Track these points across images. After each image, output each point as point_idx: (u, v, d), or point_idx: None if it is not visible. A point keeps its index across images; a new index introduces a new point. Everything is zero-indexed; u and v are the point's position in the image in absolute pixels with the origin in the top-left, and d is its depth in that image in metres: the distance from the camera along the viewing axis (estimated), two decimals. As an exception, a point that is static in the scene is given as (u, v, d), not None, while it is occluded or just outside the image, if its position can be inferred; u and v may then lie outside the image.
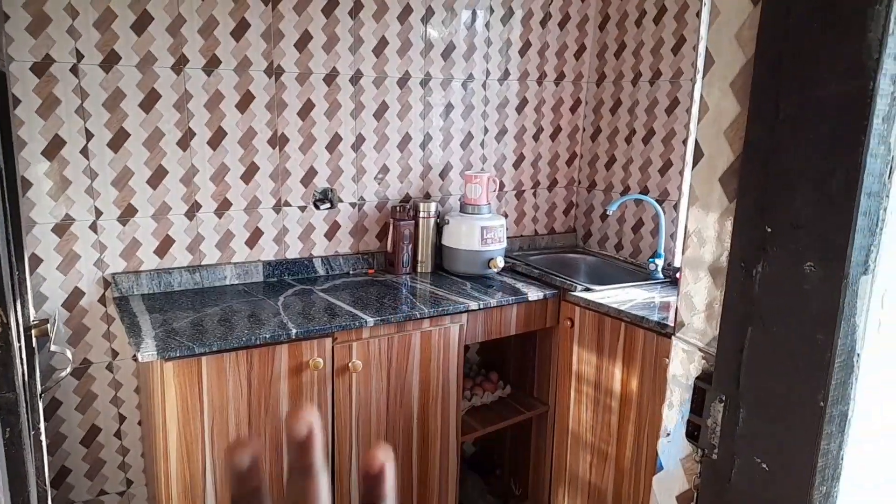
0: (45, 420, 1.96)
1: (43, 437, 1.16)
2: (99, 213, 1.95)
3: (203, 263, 2.14)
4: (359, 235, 2.42)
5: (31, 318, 1.15)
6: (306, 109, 2.22)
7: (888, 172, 0.77)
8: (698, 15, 2.30)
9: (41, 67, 1.80)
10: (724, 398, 0.96)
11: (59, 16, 1.79)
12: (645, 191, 2.59)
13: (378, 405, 1.96)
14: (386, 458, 0.35)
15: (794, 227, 0.81)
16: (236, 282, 2.20)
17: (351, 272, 2.40)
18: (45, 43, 1.79)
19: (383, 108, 2.37)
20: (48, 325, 1.14)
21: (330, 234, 2.36)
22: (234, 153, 2.12)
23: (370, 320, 1.87)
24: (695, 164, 0.98)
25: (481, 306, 2.09)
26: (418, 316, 1.96)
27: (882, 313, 0.84)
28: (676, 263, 2.44)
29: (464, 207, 2.44)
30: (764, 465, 0.92)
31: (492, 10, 2.51)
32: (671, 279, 2.37)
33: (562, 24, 2.69)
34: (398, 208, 2.40)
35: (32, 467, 0.96)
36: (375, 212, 2.44)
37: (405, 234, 2.38)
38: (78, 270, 1.95)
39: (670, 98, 2.45)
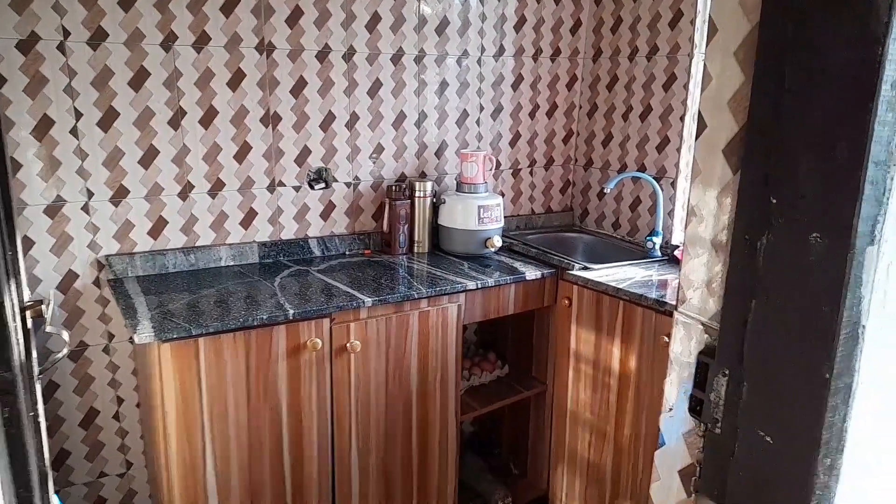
0: (43, 402, 1.95)
1: (42, 419, 1.15)
2: (91, 195, 1.93)
3: (197, 245, 2.12)
4: (354, 216, 2.40)
5: (26, 299, 1.14)
6: (299, 87, 2.19)
7: (897, 140, 0.76)
8: (696, -12, 2.27)
9: (27, 45, 1.76)
10: (727, 372, 0.95)
11: (44, -8, 1.75)
12: (642, 168, 2.58)
13: (377, 385, 1.95)
14: None
15: (800, 198, 0.80)
16: (231, 263, 2.18)
17: (347, 253, 2.39)
18: (30, 20, 1.75)
19: (377, 85, 2.34)
20: (43, 306, 1.13)
21: (325, 215, 2.34)
22: (226, 132, 2.09)
23: (368, 301, 1.86)
24: (697, 136, 0.97)
25: (479, 286, 2.08)
26: (416, 296, 1.95)
27: (888, 284, 0.83)
28: (674, 241, 2.43)
29: (460, 186, 2.42)
30: (768, 439, 0.91)
31: (487, -15, 2.47)
32: (669, 257, 2.37)
33: (558, -1, 2.65)
34: (394, 188, 2.38)
35: (32, 448, 0.95)
36: (371, 191, 2.42)
37: (401, 213, 2.36)
38: (71, 252, 1.92)
39: (668, 74, 2.42)
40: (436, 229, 2.45)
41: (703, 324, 1.02)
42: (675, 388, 1.10)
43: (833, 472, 0.87)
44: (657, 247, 2.40)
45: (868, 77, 0.73)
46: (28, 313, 1.09)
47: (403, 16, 2.32)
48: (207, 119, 2.05)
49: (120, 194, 1.97)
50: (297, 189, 2.27)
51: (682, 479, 1.11)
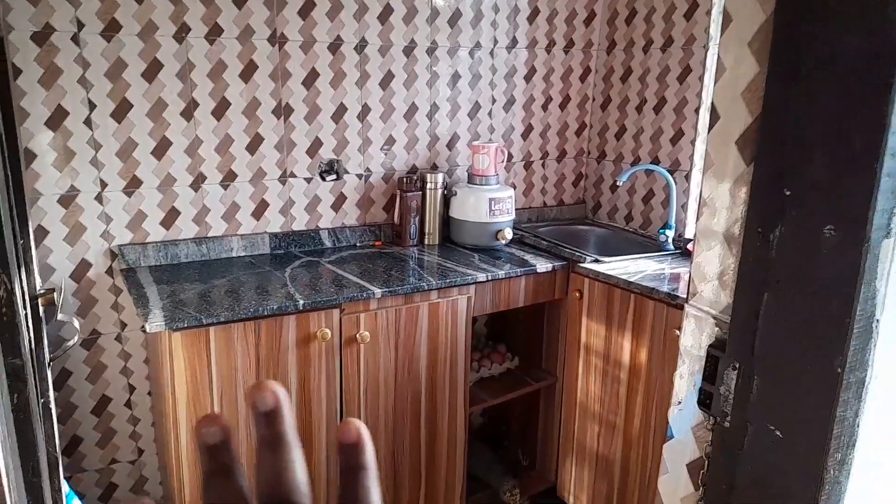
0: (55, 390, 1.97)
1: (52, 405, 1.16)
2: (104, 185, 1.94)
3: (209, 235, 2.13)
4: (365, 207, 2.40)
5: (38, 288, 1.15)
6: (311, 79, 2.19)
7: (914, 131, 0.75)
8: (712, -22, 2.24)
9: (42, 36, 1.78)
10: (737, 365, 0.95)
11: (59, -17, 1.76)
12: (656, 161, 2.55)
13: (386, 376, 1.96)
14: (361, 427, 0.32)
15: (814, 190, 0.79)
16: (243, 254, 2.19)
17: (358, 244, 2.39)
18: (45, 11, 1.76)
19: (389, 77, 2.33)
20: (55, 295, 1.14)
21: (336, 206, 2.35)
22: (238, 123, 2.10)
23: (378, 291, 1.86)
24: (710, 128, 0.95)
25: (489, 278, 2.07)
26: (426, 287, 1.95)
27: (903, 278, 0.82)
28: (688, 235, 2.41)
29: (471, 179, 2.41)
30: (777, 433, 0.91)
31: (500, -24, 2.45)
32: (682, 251, 2.35)
33: (571, -10, 2.63)
34: (405, 180, 2.37)
35: (41, 433, 0.96)
36: (382, 183, 2.42)
37: (412, 205, 2.36)
38: (85, 242, 1.94)
39: (682, 66, 2.40)
40: (447, 221, 2.44)
41: (713, 317, 1.02)
42: (685, 382, 1.09)
43: (843, 467, 0.86)
44: (670, 240, 2.38)
45: (885, 67, 0.72)
46: (40, 301, 1.10)
47: (416, 7, 2.31)
48: (220, 110, 2.06)
49: (133, 185, 1.98)
50: (308, 180, 2.27)
51: (690, 473, 1.11)
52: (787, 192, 0.81)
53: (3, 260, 0.74)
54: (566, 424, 2.35)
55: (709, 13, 2.26)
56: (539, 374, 2.45)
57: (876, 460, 0.91)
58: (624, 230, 2.70)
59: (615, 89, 2.70)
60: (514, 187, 2.71)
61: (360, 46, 2.25)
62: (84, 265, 1.95)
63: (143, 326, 1.58)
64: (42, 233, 1.88)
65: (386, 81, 2.33)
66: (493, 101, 2.59)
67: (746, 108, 0.87)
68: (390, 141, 2.40)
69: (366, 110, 2.32)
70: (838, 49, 0.75)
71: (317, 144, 2.26)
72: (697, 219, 1.00)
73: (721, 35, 0.89)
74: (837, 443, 0.88)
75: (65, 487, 1.26)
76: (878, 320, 0.82)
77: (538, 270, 2.18)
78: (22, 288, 0.89)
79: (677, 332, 1.87)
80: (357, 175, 2.36)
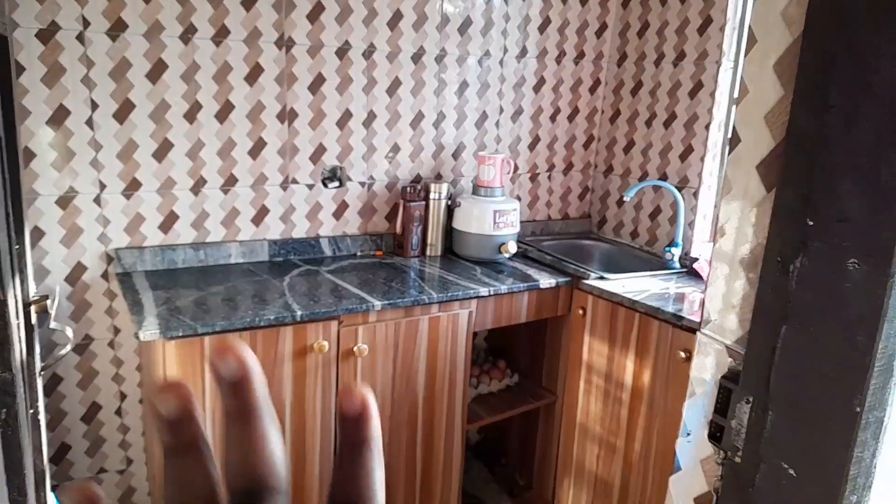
0: (45, 396, 1.93)
1: (42, 416, 1.12)
2: (103, 187, 1.91)
3: (208, 241, 2.10)
4: (367, 216, 2.37)
5: (32, 294, 1.11)
6: (317, 84, 2.15)
7: (949, 164, 0.71)
8: (727, -5, 2.21)
9: (46, 34, 1.75)
10: (751, 399, 0.91)
11: (64, -20, 1.73)
12: (664, 177, 2.52)
13: (383, 390, 1.92)
14: (367, 394, 0.27)
15: (839, 221, 0.75)
16: (241, 260, 2.15)
17: (358, 253, 2.35)
18: (51, 9, 1.73)
19: (396, 84, 2.30)
20: (48, 302, 1.10)
21: (338, 214, 2.31)
22: (241, 127, 2.07)
23: (377, 304, 1.82)
24: (730, 151, 0.92)
25: (491, 292, 2.03)
26: (427, 301, 1.91)
27: (930, 316, 0.78)
28: (694, 253, 2.37)
29: (476, 190, 2.37)
30: (791, 471, 0.86)
31: (511, -14, 2.43)
32: (688, 269, 2.31)
33: (583, 0, 2.59)
34: (408, 189, 2.34)
35: (29, 448, 0.92)
36: (385, 192, 2.38)
37: (415, 215, 2.33)
38: (81, 244, 1.91)
39: (694, 81, 2.36)
40: (449, 232, 2.41)
41: (727, 347, 0.98)
42: (694, 413, 1.05)
43: (863, 513, 0.82)
44: (676, 258, 2.34)
45: (920, 95, 0.68)
46: (33, 308, 1.06)
47: (426, 14, 2.28)
48: (223, 113, 2.03)
49: (132, 187, 1.95)
50: (310, 187, 2.24)
51: (698, 509, 1.07)
52: (811, 223, 0.77)
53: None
54: (565, 445, 2.31)
55: (722, 29, 2.23)
56: (539, 391, 2.40)
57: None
58: (629, 246, 2.66)
59: (625, 102, 2.67)
60: (519, 199, 2.68)
61: (368, 52, 2.22)
62: (79, 268, 1.92)
63: (136, 334, 1.54)
64: (38, 234, 1.84)
65: (393, 88, 2.30)
66: (501, 110, 2.56)
67: (769, 132, 0.83)
68: (395, 149, 2.36)
69: (371, 117, 2.28)
70: (870, 75, 0.71)
71: (320, 151, 2.22)
72: (713, 244, 0.96)
73: (745, 55, 0.86)
74: (853, 484, 0.84)
75: (51, 500, 1.22)
76: (903, 360, 0.78)
77: (541, 286, 2.14)
78: (15, 296, 0.85)
79: (682, 353, 1.83)
80: (360, 183, 2.33)
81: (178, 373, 1.60)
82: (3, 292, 0.72)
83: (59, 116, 1.81)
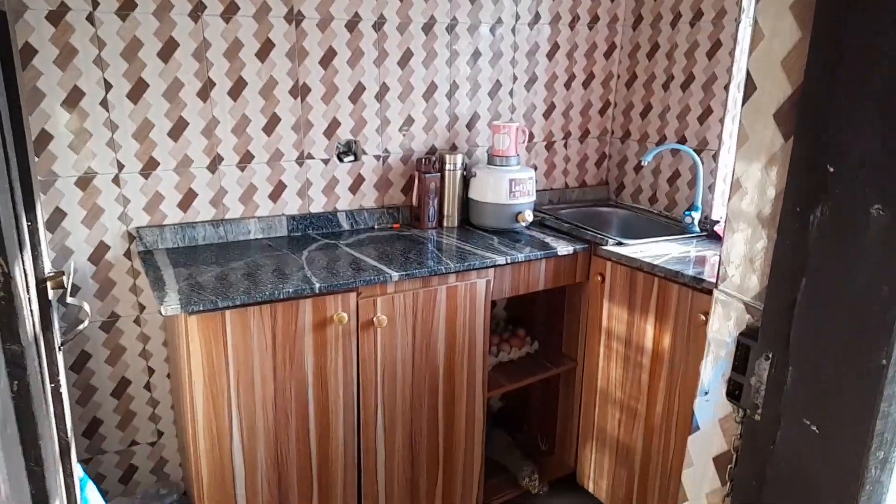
0: (75, 373, 1.98)
1: (64, 390, 1.15)
2: (121, 167, 1.93)
3: (226, 217, 2.11)
4: (383, 189, 2.36)
5: (47, 271, 1.13)
6: (328, 58, 2.14)
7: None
8: (745, -52, 2.13)
9: (56, 16, 1.75)
10: (770, 355, 0.89)
11: (72, -40, 1.73)
12: (682, 140, 2.47)
13: (403, 360, 1.93)
14: None
15: (862, 166, 0.72)
16: (260, 236, 2.17)
17: (376, 227, 2.35)
18: (59, -11, 1.74)
19: (408, 55, 2.27)
20: (64, 278, 1.12)
21: (354, 188, 2.31)
22: (255, 104, 2.07)
23: (395, 275, 1.83)
24: (744, 100, 0.89)
25: (509, 261, 2.02)
26: (444, 271, 1.91)
27: (956, 263, 0.75)
28: (714, 216, 2.33)
29: (491, 159, 2.35)
30: (814, 428, 0.85)
31: (521, -51, 2.37)
32: (708, 233, 2.27)
33: (596, -37, 2.53)
34: (423, 161, 2.33)
35: (47, 420, 0.94)
36: (400, 164, 2.37)
37: (431, 187, 2.32)
38: (102, 224, 1.94)
39: (712, 40, 2.30)
40: (466, 203, 2.39)
41: (745, 303, 0.96)
42: (712, 371, 1.04)
43: (887, 465, 0.81)
44: (696, 222, 2.31)
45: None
46: (49, 285, 1.08)
47: (435, -18, 2.24)
48: (236, 90, 2.03)
49: (150, 166, 1.96)
50: (325, 162, 2.23)
51: (717, 467, 1.06)
52: (831, 169, 0.75)
53: None
54: (586, 410, 2.31)
55: (741, -15, 2.16)
56: (559, 358, 2.40)
57: (920, 457, 0.85)
58: (648, 212, 2.63)
59: (641, 66, 2.61)
60: (535, 168, 2.65)
61: (379, 24, 2.19)
62: (102, 248, 1.95)
63: (159, 310, 1.57)
64: (60, 215, 1.87)
65: (405, 60, 2.27)
66: (515, 79, 2.52)
67: (786, 77, 0.81)
68: (409, 121, 2.34)
69: (384, 90, 2.27)
70: (892, 9, 0.68)
71: (334, 125, 2.22)
72: (729, 198, 0.94)
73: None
74: (880, 440, 0.82)
75: (79, 472, 1.26)
76: (928, 308, 0.76)
77: (559, 253, 2.13)
78: (24, 271, 0.87)
79: (702, 317, 1.81)
80: (375, 156, 2.32)
81: (200, 346, 1.63)
82: (6, 266, 0.73)
83: (73, 98, 1.82)
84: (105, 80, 1.85)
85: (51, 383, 1.01)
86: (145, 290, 2.03)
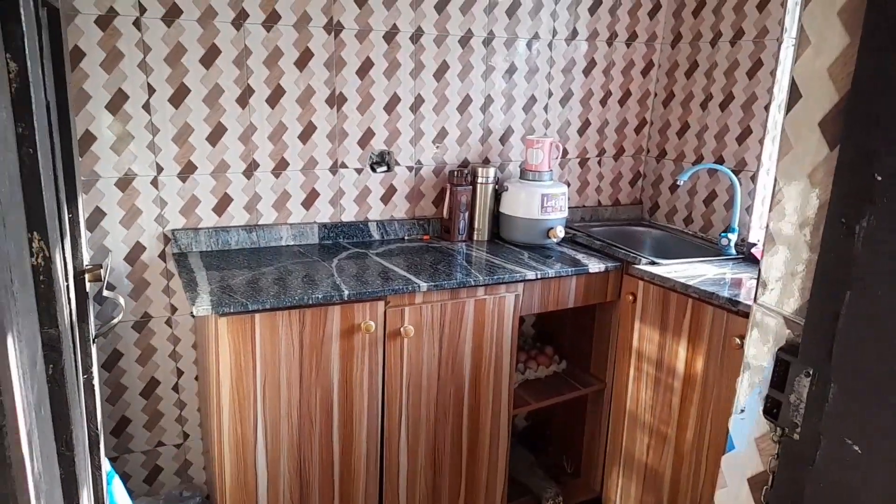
0: (106, 371, 2.02)
1: (96, 382, 1.17)
2: (160, 169, 1.97)
3: (260, 223, 2.14)
4: (415, 200, 2.37)
5: (85, 264, 1.15)
6: (365, 68, 2.17)
7: None
8: (789, -33, 2.11)
9: (105, 21, 1.81)
10: (811, 372, 0.86)
11: (123, -32, 1.79)
12: (720, 160, 2.43)
13: (429, 371, 1.92)
14: None
15: (911, 175, 0.70)
16: (292, 243, 2.19)
17: (406, 238, 2.36)
18: (110, -4, 1.80)
19: (443, 68, 2.29)
20: (101, 271, 1.14)
21: (386, 199, 2.32)
22: (291, 112, 2.10)
23: (423, 285, 1.82)
24: (788, 108, 0.87)
25: (538, 276, 2.00)
26: (472, 283, 1.90)
27: None
28: (752, 239, 2.28)
29: (524, 174, 2.35)
30: (856, 448, 0.81)
31: (561, -34, 2.38)
32: (745, 255, 2.22)
33: (635, -18, 2.53)
34: (456, 173, 2.33)
35: (80, 408, 0.95)
36: (432, 176, 2.38)
37: (462, 200, 2.32)
38: (139, 225, 1.98)
39: (753, 60, 2.27)
40: (497, 217, 2.39)
41: (784, 318, 0.93)
42: (749, 388, 1.01)
43: (935, 491, 0.77)
44: (732, 244, 2.26)
45: None
46: (87, 277, 1.10)
47: (473, -3, 2.26)
48: (274, 98, 2.06)
49: (188, 170, 2.00)
50: (359, 171, 2.25)
51: (752, 488, 1.02)
52: (878, 178, 0.72)
53: (41, 227, 0.73)
54: (614, 433, 2.26)
55: (783, 4, 2.13)
56: (587, 378, 2.36)
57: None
58: (683, 233, 2.58)
59: (679, 84, 2.59)
60: (568, 184, 2.63)
61: (416, 36, 2.22)
62: (138, 248, 1.99)
63: (191, 310, 1.58)
64: (99, 214, 1.92)
65: (440, 72, 2.29)
66: (550, 94, 2.52)
67: (833, 85, 0.78)
68: (443, 133, 2.36)
69: (419, 101, 2.28)
70: (946, 14, 0.66)
71: (368, 135, 2.24)
72: (770, 208, 0.91)
73: (805, 5, 0.81)
74: (926, 463, 0.78)
75: (106, 466, 1.27)
76: (982, 326, 0.72)
77: (590, 271, 2.10)
78: (64, 258, 0.88)
79: (738, 340, 1.76)
80: (408, 167, 2.33)
81: (228, 347, 1.64)
82: (47, 250, 0.74)
83: (117, 101, 1.87)
84: (148, 84, 1.90)
85: (84, 374, 1.02)
86: (178, 291, 2.06)
